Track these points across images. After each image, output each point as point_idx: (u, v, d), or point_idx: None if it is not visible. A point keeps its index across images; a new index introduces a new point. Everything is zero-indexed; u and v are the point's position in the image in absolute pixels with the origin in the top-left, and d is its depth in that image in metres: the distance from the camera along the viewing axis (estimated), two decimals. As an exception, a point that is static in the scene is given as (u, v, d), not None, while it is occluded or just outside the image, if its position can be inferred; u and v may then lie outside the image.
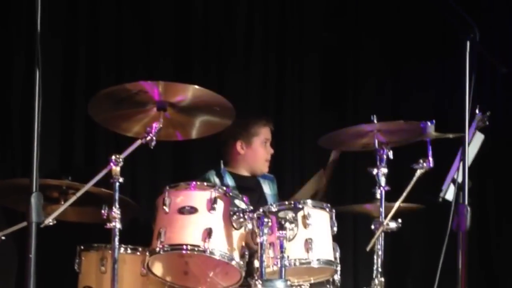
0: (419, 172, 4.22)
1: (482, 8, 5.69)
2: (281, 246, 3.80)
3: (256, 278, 3.79)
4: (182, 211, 3.88)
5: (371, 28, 5.93)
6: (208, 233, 3.82)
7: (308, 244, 3.90)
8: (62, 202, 4.01)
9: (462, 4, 3.51)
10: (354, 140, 4.41)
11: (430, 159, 4.21)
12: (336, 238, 4.09)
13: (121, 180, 3.75)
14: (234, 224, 3.91)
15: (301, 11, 5.86)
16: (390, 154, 4.28)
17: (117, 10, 5.26)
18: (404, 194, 4.19)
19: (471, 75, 3.49)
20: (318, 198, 4.76)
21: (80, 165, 5.05)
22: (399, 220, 4.28)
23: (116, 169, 3.72)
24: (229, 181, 4.81)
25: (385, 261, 4.32)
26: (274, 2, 5.80)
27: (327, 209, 4.05)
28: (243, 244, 3.95)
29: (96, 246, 4.15)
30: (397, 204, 4.20)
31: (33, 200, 2.80)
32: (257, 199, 4.75)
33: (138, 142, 3.78)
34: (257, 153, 4.89)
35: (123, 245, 4.02)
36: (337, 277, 4.12)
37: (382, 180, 4.26)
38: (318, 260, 3.93)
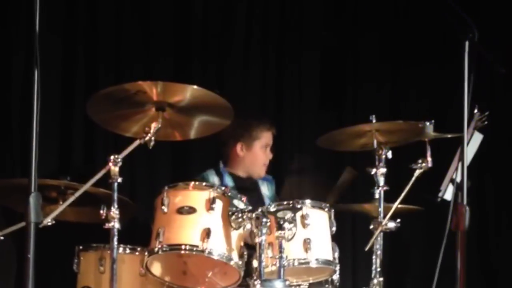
0: (418, 172, 4.23)
1: (481, 8, 5.68)
2: (280, 246, 3.79)
3: (255, 278, 3.78)
4: (180, 211, 3.88)
5: (370, 28, 5.92)
6: (207, 233, 3.81)
7: (306, 244, 3.90)
8: (61, 202, 3.99)
9: (461, 4, 3.51)
10: (353, 140, 4.41)
11: (429, 159, 4.21)
12: (335, 238, 4.09)
13: (119, 180, 3.74)
14: (233, 224, 3.91)
15: (301, 11, 5.85)
16: (389, 154, 4.28)
17: (116, 10, 5.26)
18: (403, 194, 4.20)
19: (469, 75, 3.49)
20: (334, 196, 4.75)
21: (78, 165, 5.04)
22: (398, 220, 4.28)
23: (115, 169, 3.72)
24: (228, 181, 4.81)
25: (384, 261, 4.32)
26: (273, 2, 5.79)
27: (326, 209, 4.05)
28: (242, 244, 3.95)
29: (95, 246, 4.15)
30: (395, 204, 4.21)
31: (31, 200, 2.79)
32: (255, 200, 4.73)
33: (137, 142, 3.78)
34: (256, 157, 4.86)
35: (121, 245, 4.01)
36: (336, 277, 4.12)
37: (381, 180, 4.26)
38: (317, 260, 3.93)
